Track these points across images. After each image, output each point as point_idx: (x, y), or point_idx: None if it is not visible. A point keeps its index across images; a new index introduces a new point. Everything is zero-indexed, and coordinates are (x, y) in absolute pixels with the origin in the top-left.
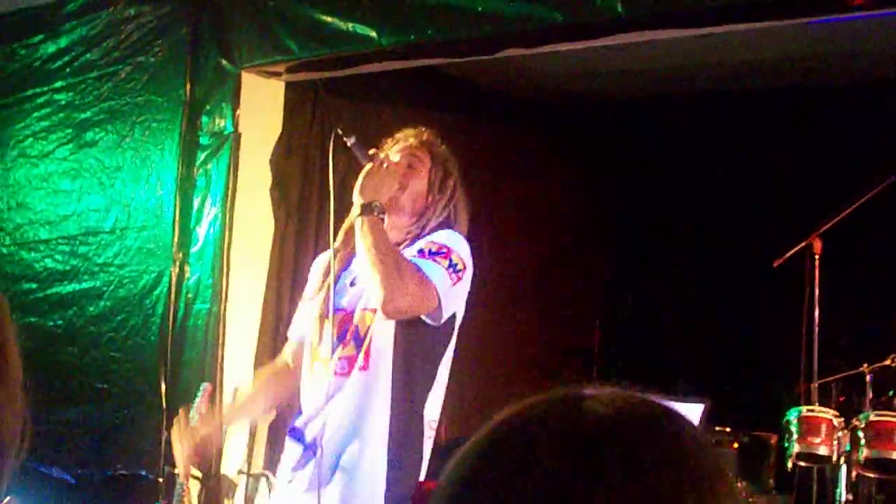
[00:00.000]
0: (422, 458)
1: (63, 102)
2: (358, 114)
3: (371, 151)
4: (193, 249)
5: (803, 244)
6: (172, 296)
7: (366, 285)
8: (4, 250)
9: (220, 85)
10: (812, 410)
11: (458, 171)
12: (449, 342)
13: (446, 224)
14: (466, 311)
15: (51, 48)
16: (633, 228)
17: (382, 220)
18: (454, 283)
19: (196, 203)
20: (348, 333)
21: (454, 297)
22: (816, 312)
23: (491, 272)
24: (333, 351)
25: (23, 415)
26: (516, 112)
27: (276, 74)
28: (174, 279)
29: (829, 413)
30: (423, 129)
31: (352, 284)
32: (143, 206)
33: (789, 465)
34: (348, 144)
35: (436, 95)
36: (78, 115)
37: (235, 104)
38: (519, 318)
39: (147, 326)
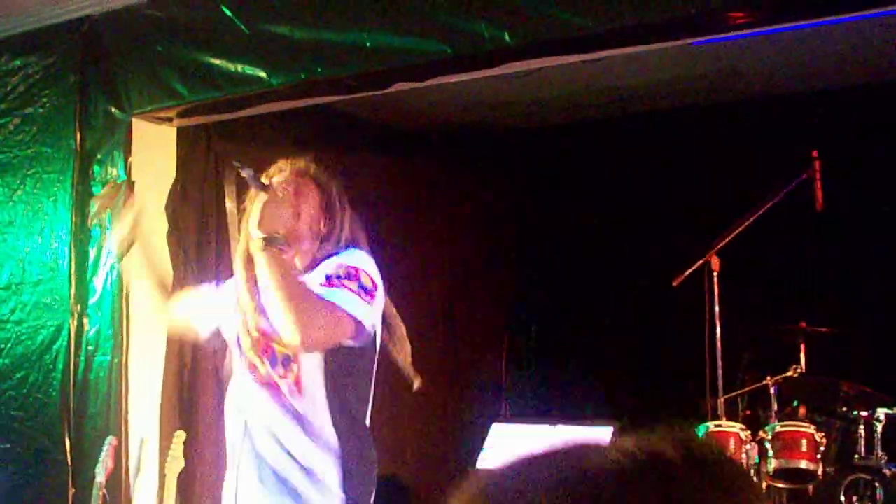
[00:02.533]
0: (373, 469)
1: None
2: (252, 155)
3: (266, 182)
4: (91, 301)
5: (701, 262)
6: (72, 349)
7: (275, 321)
8: None
9: (110, 133)
10: (719, 425)
11: (343, 193)
12: (374, 357)
13: (350, 244)
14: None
15: None
16: (533, 255)
17: (283, 251)
18: (368, 304)
19: (92, 254)
20: (277, 355)
21: (370, 316)
22: (718, 329)
23: (395, 308)
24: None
25: None
26: (412, 146)
27: (167, 120)
28: (73, 332)
29: (735, 427)
30: (302, 157)
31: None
32: (38, 260)
33: None
34: (243, 175)
35: (330, 133)
36: None
37: (127, 152)
38: (425, 353)
39: (48, 382)
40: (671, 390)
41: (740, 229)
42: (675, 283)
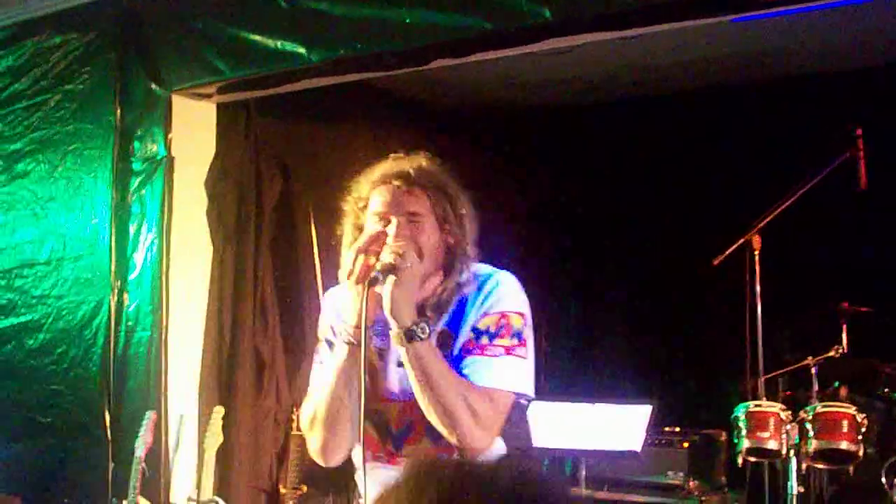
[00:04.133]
0: None
1: None
2: (290, 132)
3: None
4: (131, 277)
5: (742, 241)
6: (112, 325)
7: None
8: None
9: (150, 109)
10: (759, 405)
11: (460, 189)
12: None
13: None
14: None
15: None
16: (573, 234)
17: (430, 340)
18: (524, 357)
19: (132, 230)
20: (416, 425)
21: (530, 370)
22: (759, 308)
23: None
24: (399, 447)
25: None
26: (449, 123)
27: (207, 96)
28: (113, 308)
29: (776, 407)
30: (402, 155)
31: (399, 365)
32: (79, 236)
33: (740, 460)
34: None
35: (368, 110)
36: (8, 146)
37: (167, 128)
38: None
39: (88, 357)
40: (711, 370)
41: (782, 208)
42: (715, 263)
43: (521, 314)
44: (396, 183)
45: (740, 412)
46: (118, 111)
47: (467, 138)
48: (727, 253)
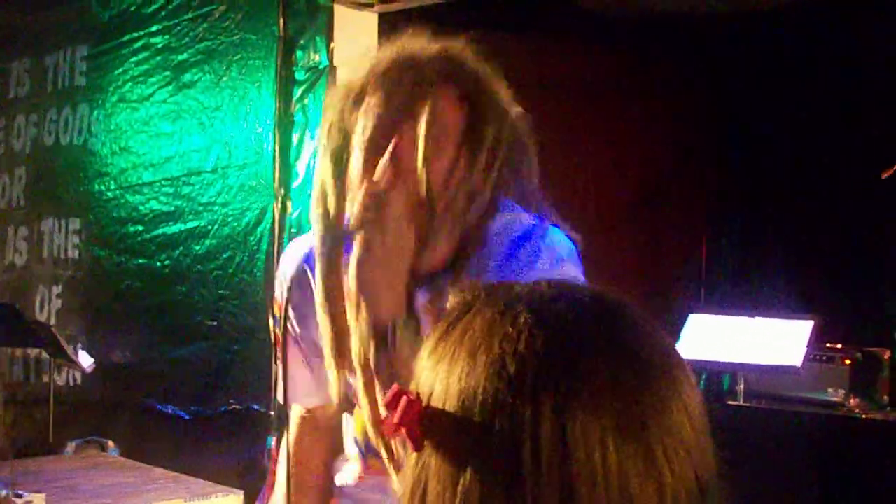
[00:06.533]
0: None
1: (160, 45)
2: (452, 42)
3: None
4: (294, 185)
5: None
6: (276, 232)
7: None
8: (110, 194)
9: (312, 19)
10: None
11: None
12: None
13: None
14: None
15: None
16: (737, 145)
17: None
18: None
19: (295, 139)
20: None
21: None
22: None
23: (593, 197)
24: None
25: None
26: (619, 33)
27: (369, 6)
28: (277, 215)
29: None
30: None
31: None
32: (243, 144)
33: None
34: None
35: (531, 19)
36: (175, 57)
37: (329, 37)
38: (622, 244)
39: (253, 263)
40: (877, 286)
41: None
42: (884, 176)
43: None
44: (417, 75)
45: None
46: (281, 21)
47: (633, 46)
48: None
